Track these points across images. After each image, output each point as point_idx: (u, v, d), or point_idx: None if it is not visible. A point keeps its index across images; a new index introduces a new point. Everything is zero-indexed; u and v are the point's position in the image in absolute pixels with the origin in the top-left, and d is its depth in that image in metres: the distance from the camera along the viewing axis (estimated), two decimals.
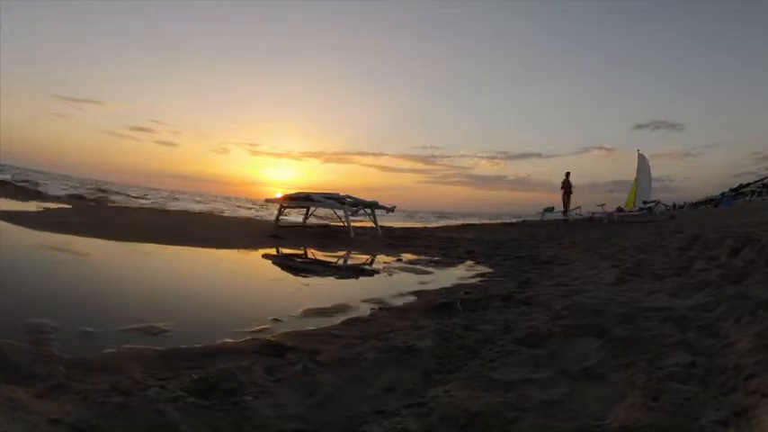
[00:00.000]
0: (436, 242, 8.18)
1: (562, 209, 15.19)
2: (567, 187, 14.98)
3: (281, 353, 1.74)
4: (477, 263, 5.52)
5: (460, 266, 5.11)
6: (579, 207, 15.39)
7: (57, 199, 10.81)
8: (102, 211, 9.17)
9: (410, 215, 31.39)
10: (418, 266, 4.87)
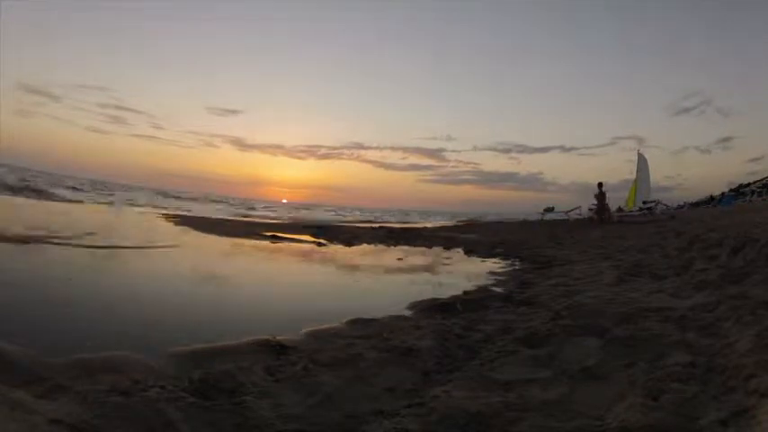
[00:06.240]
0: (437, 242, 8.18)
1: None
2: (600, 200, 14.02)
3: (281, 353, 1.75)
4: (478, 263, 5.52)
5: (461, 266, 5.11)
6: (579, 207, 15.37)
7: None
8: None
9: (411, 214, 31.39)
10: (418, 265, 4.87)
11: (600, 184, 13.20)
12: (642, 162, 15.75)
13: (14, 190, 12.28)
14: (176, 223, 8.31)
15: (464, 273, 4.53)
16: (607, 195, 13.21)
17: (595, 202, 13.30)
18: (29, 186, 14.00)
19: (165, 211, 11.58)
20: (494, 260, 5.74)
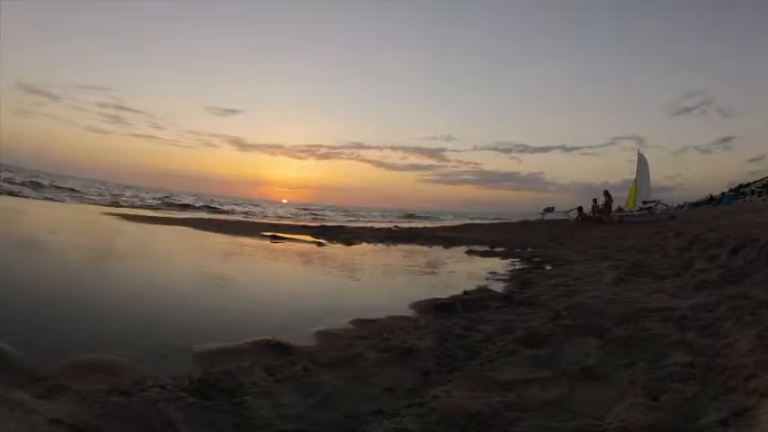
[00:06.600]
0: (437, 242, 8.18)
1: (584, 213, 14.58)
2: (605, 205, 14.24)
3: (281, 353, 1.74)
4: (478, 263, 5.52)
5: (461, 266, 5.11)
6: (581, 207, 15.36)
7: None
8: None
9: (412, 215, 31.40)
10: (418, 265, 4.87)
11: (606, 192, 13.70)
12: (642, 162, 15.75)
13: None
14: None
15: (464, 273, 4.53)
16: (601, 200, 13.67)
17: (599, 205, 13.59)
18: None
19: None
20: (494, 260, 5.74)
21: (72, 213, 9.26)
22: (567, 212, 15.79)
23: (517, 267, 4.86)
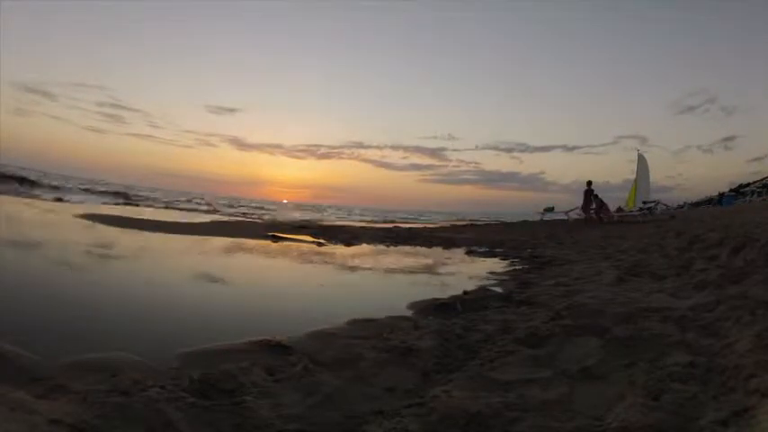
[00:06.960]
0: (436, 242, 8.18)
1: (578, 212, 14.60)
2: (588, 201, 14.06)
3: (281, 353, 1.74)
4: (478, 263, 5.52)
5: (461, 266, 5.11)
6: (578, 207, 15.38)
7: None
8: None
9: (413, 215, 31.42)
10: (418, 265, 4.87)
11: (588, 183, 13.51)
12: (642, 162, 15.79)
13: None
14: None
15: (464, 273, 4.53)
16: (593, 193, 13.48)
17: (592, 204, 13.53)
18: None
19: None
20: (494, 260, 5.75)
21: None
22: (567, 212, 15.80)
23: (517, 267, 4.86)
